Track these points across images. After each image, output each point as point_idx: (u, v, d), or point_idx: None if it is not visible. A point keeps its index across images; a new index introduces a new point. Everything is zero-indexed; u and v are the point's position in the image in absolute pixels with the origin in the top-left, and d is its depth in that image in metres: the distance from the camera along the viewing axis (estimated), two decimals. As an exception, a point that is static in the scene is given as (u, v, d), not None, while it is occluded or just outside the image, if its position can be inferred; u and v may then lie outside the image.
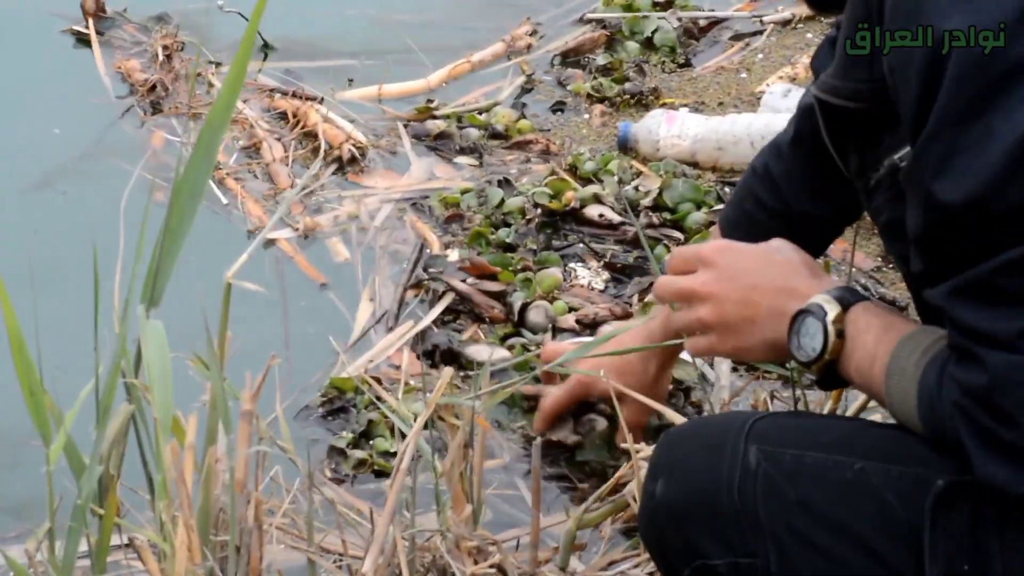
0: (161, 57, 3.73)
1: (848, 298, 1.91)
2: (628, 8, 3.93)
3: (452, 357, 2.87)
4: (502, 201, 3.24)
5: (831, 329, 1.89)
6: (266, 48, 3.82)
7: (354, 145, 3.45)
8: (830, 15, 2.28)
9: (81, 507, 1.99)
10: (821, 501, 1.85)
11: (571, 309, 2.96)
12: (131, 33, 3.87)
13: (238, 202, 3.33)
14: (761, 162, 2.43)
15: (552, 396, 2.64)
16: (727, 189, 3.28)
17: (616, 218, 3.21)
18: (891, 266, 3.10)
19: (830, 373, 1.92)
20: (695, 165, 3.39)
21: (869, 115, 1.91)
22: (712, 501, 1.89)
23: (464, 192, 3.31)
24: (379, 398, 2.62)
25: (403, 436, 2.19)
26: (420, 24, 3.95)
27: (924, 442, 1.84)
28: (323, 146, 3.45)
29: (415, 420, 2.18)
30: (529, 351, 2.84)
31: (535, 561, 2.26)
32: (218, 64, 3.74)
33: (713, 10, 3.97)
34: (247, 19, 3.65)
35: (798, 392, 2.51)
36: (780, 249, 2.01)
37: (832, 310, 1.90)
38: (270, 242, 3.20)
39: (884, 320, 1.91)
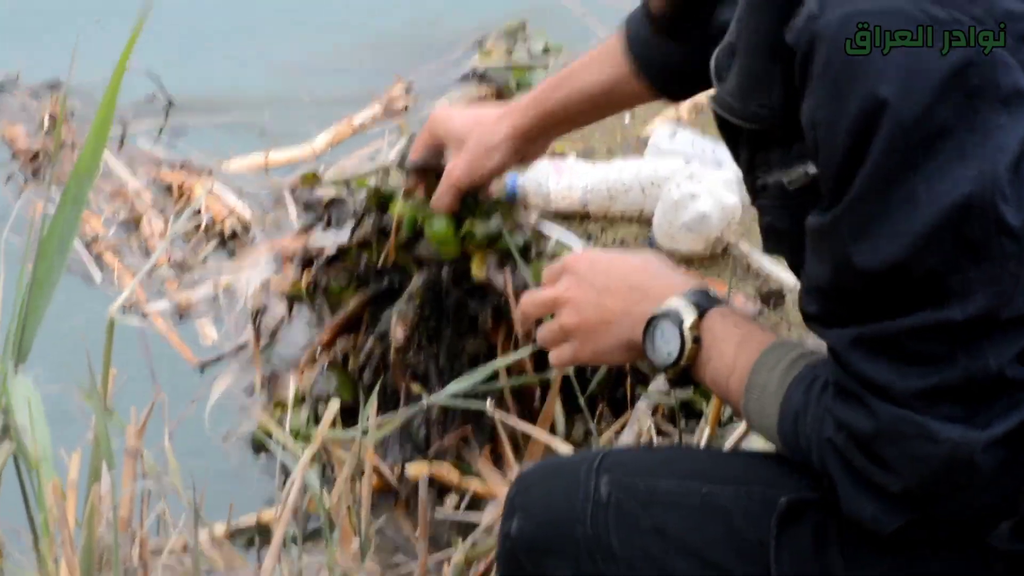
0: (46, 126, 3.74)
1: (704, 303, 1.95)
2: (507, 60, 3.94)
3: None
4: None
5: (688, 335, 1.93)
6: (169, 106, 3.84)
7: (238, 219, 3.46)
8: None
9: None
10: (674, 527, 1.89)
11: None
12: (21, 99, 3.87)
13: (113, 276, 3.34)
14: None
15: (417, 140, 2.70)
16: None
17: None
18: (773, 308, 3.13)
19: (683, 376, 1.97)
20: (585, 216, 3.33)
21: (762, 133, 1.92)
22: (567, 533, 1.92)
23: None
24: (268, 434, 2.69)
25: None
26: (314, 72, 3.99)
27: (769, 465, 1.91)
28: (205, 221, 3.46)
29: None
30: None
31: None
32: (122, 133, 3.78)
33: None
34: (154, 79, 3.83)
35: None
36: (641, 255, 2.05)
37: (689, 316, 1.93)
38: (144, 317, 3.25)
39: (742, 329, 1.95)
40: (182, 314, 3.24)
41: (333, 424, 2.33)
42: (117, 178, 3.58)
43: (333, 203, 3.42)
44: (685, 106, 3.68)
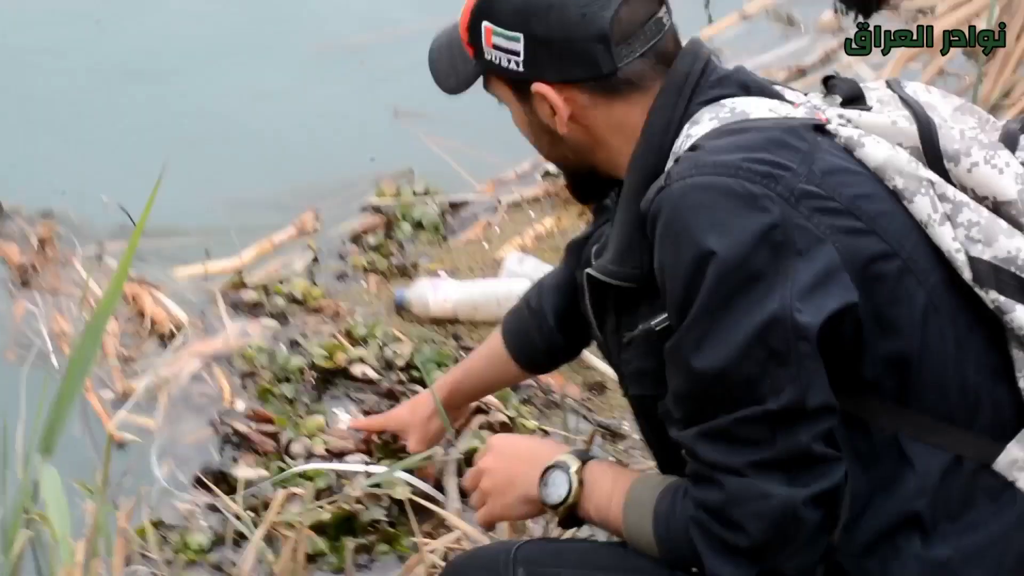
0: (36, 245, 3.81)
1: (585, 455, 2.13)
2: (397, 196, 4.07)
3: (223, 477, 3.06)
4: (288, 359, 3.39)
5: (574, 478, 2.09)
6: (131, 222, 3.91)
7: (173, 324, 3.55)
8: (588, 204, 2.47)
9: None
10: None
11: (326, 444, 3.12)
12: (20, 225, 3.94)
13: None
14: (534, 298, 2.72)
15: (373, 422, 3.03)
16: (462, 354, 3.42)
17: (374, 375, 3.37)
18: (597, 395, 3.34)
19: (571, 515, 2.11)
20: (455, 321, 3.57)
21: (634, 291, 2.07)
22: None
23: (259, 350, 3.43)
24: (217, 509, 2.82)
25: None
26: (241, 204, 4.06)
27: (644, 557, 2.02)
28: (148, 323, 3.55)
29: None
30: (283, 469, 3.01)
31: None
32: (98, 252, 3.83)
33: (457, 193, 4.13)
34: (124, 210, 3.83)
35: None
36: (539, 438, 2.32)
37: (574, 464, 2.10)
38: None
39: (615, 469, 2.13)
40: (122, 399, 3.31)
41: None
42: (89, 289, 3.66)
43: (255, 305, 3.60)
44: (530, 236, 3.93)
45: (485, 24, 2.09)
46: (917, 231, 1.96)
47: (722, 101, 2.03)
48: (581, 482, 2.09)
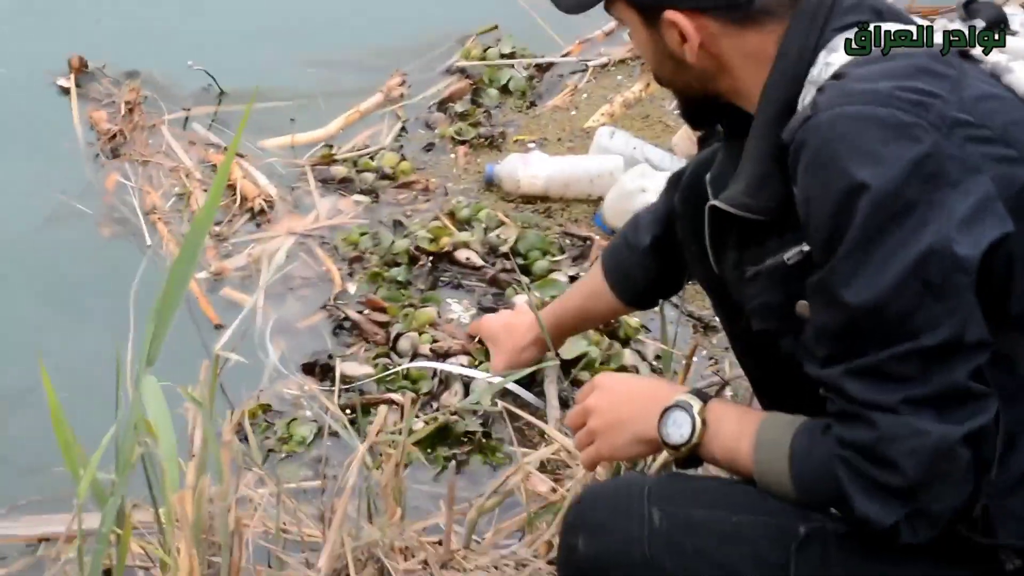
0: (124, 110, 3.78)
1: (705, 394, 2.08)
2: (483, 59, 4.01)
3: (329, 370, 3.02)
4: (392, 243, 3.35)
5: (697, 418, 2.04)
6: (221, 95, 3.90)
7: (264, 199, 3.50)
8: (700, 130, 2.37)
9: (104, 534, 2.11)
10: (711, 550, 1.98)
11: (434, 340, 3.08)
12: (106, 86, 3.91)
13: (163, 244, 3.38)
14: (631, 233, 2.67)
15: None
16: (568, 241, 3.41)
17: (479, 262, 3.33)
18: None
19: (692, 456, 2.07)
20: (546, 198, 3.54)
21: (761, 224, 2.01)
22: (628, 556, 2.00)
23: (362, 234, 3.40)
24: (326, 410, 2.77)
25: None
26: (326, 65, 4.02)
27: (773, 497, 1.98)
28: (239, 198, 3.50)
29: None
30: (388, 369, 2.99)
31: (448, 550, 2.45)
32: (186, 117, 3.82)
33: (543, 56, 4.07)
34: (209, 75, 3.84)
35: None
36: (648, 378, 2.29)
37: (696, 404, 2.05)
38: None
39: (739, 409, 2.09)
40: (217, 279, 3.27)
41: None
42: (176, 157, 3.65)
43: (343, 180, 3.56)
44: (618, 103, 3.86)
45: None
46: None
47: (858, 27, 1.97)
48: (704, 422, 2.04)
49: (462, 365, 3.00)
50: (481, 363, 3.01)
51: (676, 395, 2.08)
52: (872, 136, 1.83)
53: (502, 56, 4.03)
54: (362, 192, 3.58)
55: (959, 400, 1.84)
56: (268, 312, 3.22)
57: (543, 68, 4.04)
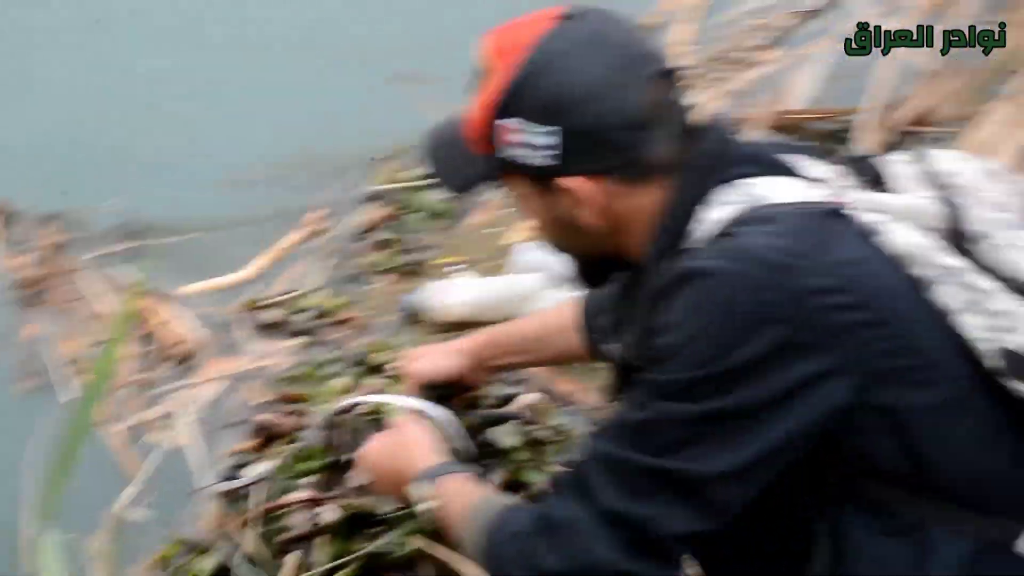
0: (42, 255, 3.74)
1: (442, 470, 2.24)
2: (399, 181, 3.98)
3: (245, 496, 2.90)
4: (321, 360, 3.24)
5: (430, 501, 2.21)
6: (140, 231, 3.85)
7: (190, 345, 3.43)
8: (596, 288, 2.33)
9: None
10: None
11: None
12: (25, 229, 3.88)
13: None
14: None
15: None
16: None
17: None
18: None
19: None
20: (474, 324, 3.43)
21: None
22: None
23: (290, 380, 3.25)
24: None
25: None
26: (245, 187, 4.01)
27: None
28: (163, 345, 3.43)
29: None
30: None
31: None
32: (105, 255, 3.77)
33: None
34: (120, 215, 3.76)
35: None
36: (411, 439, 2.36)
37: (427, 488, 2.21)
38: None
39: (467, 486, 2.21)
40: (135, 428, 3.21)
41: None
42: (96, 302, 3.58)
43: (275, 324, 3.49)
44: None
45: (508, 121, 2.01)
46: (939, 321, 1.90)
47: (743, 181, 1.99)
48: (434, 499, 2.20)
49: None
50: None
51: (423, 465, 2.25)
52: (730, 297, 1.85)
53: (419, 178, 3.99)
54: (298, 333, 3.50)
55: (653, 547, 1.90)
56: (193, 450, 3.17)
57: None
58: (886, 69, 4.03)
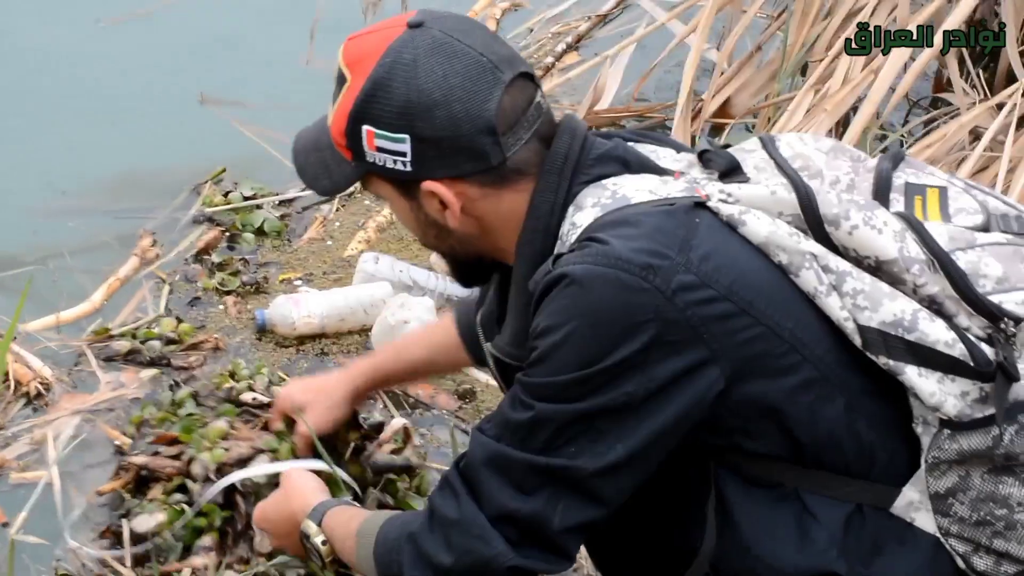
0: None
1: (324, 506, 2.31)
2: (226, 203, 3.93)
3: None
4: (174, 395, 3.13)
5: (318, 542, 2.29)
6: None
7: (40, 382, 3.33)
8: (473, 287, 2.39)
9: None
10: None
11: (226, 450, 2.84)
12: None
13: None
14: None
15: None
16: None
17: (265, 398, 2.95)
18: (469, 403, 3.29)
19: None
20: (324, 335, 3.50)
21: None
22: None
23: (144, 408, 3.12)
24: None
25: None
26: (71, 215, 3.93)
27: None
28: (12, 384, 3.31)
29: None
30: (183, 506, 2.80)
31: None
32: None
33: (285, 191, 4.01)
34: None
35: None
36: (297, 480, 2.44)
37: (316, 536, 2.29)
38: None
39: (347, 511, 2.30)
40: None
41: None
42: None
43: (129, 353, 3.40)
44: (372, 228, 3.86)
45: (366, 128, 2.05)
46: (805, 304, 1.99)
47: (603, 182, 2.06)
48: (324, 542, 2.27)
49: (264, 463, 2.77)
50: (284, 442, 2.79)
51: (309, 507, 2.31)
52: (599, 297, 1.93)
53: (245, 199, 3.96)
54: (151, 361, 3.41)
55: (544, 540, 1.99)
56: (61, 489, 3.08)
57: (289, 203, 4.00)
58: (690, 66, 4.15)
